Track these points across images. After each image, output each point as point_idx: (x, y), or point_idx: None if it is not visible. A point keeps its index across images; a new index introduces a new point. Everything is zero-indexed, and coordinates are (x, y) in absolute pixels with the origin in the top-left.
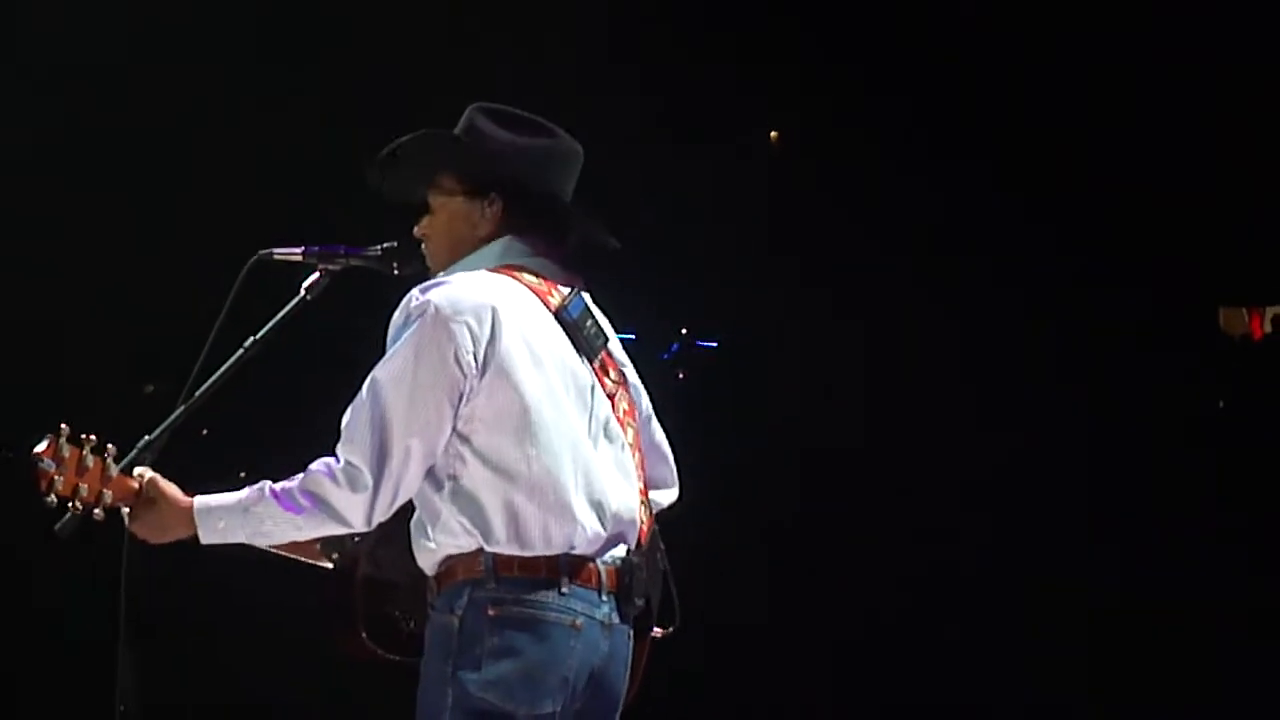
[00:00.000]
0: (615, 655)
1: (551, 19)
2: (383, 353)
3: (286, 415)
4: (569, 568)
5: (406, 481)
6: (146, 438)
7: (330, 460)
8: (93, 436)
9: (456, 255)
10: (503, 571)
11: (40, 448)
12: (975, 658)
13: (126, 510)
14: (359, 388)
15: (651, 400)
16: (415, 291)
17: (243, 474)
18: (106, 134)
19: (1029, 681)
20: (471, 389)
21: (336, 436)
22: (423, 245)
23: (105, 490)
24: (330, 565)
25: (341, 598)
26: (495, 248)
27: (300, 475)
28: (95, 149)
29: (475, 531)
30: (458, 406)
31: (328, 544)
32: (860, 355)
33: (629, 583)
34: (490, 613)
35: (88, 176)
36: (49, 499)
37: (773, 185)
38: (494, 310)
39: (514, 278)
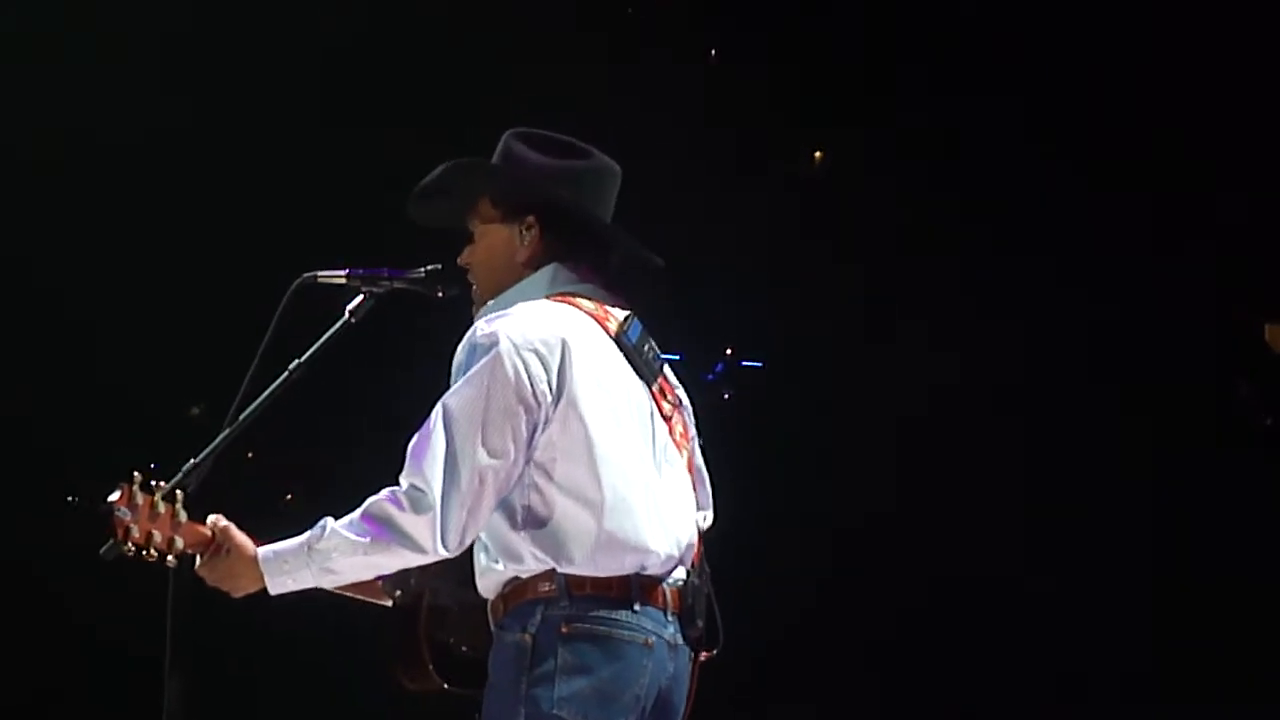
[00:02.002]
0: (679, 676)
1: (592, 43)
2: (447, 383)
3: (332, 437)
4: (640, 588)
5: (480, 509)
6: (191, 461)
7: (392, 488)
8: (163, 483)
9: (499, 282)
10: (575, 590)
11: (114, 496)
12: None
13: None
14: (402, 411)
15: (696, 420)
16: (481, 323)
17: (289, 496)
18: (152, 153)
19: None
20: (545, 418)
21: (388, 462)
22: (468, 274)
23: (176, 537)
24: (390, 603)
25: (404, 634)
26: (543, 276)
27: (363, 505)
28: (142, 168)
29: (547, 558)
30: (530, 436)
31: (390, 583)
32: (911, 376)
33: (691, 604)
34: (564, 630)
35: (133, 197)
36: (125, 548)
37: (819, 204)
38: (564, 341)
39: (573, 305)
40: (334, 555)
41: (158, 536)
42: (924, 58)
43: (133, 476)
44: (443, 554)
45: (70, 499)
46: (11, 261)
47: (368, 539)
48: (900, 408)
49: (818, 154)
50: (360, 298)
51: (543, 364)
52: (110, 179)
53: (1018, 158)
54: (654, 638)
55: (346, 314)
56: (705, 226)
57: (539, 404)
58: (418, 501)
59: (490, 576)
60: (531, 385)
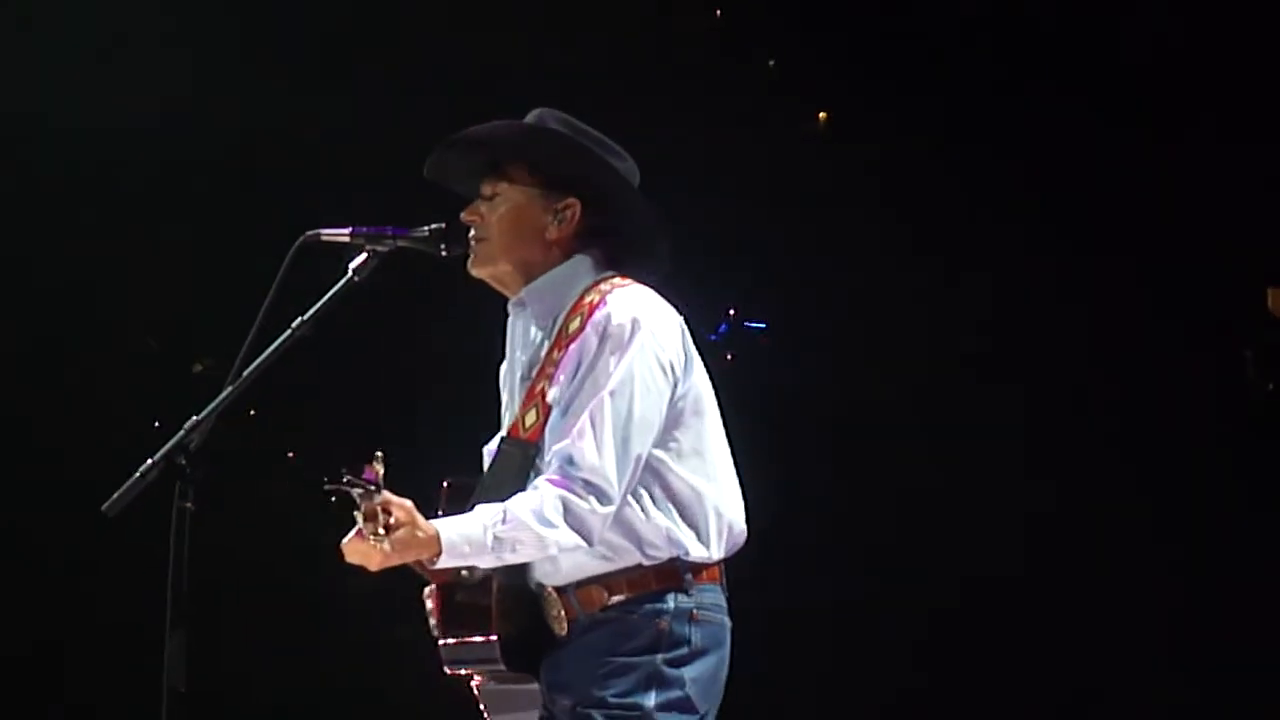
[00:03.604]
0: None
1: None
2: (566, 370)
3: (334, 396)
4: (723, 574)
5: (627, 495)
6: (194, 418)
7: (562, 479)
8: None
9: (521, 254)
10: (697, 578)
11: (369, 474)
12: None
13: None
14: (402, 370)
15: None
16: (611, 308)
17: (290, 454)
18: (157, 118)
19: None
20: (674, 399)
21: (392, 421)
22: (473, 231)
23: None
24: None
25: (464, 608)
26: (585, 263)
27: (536, 495)
28: (145, 129)
29: (679, 541)
30: (666, 416)
31: None
32: (913, 337)
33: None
34: (695, 615)
35: (138, 156)
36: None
37: (820, 167)
38: (683, 330)
39: (649, 288)
40: (519, 546)
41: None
42: (938, 24)
43: (375, 456)
44: (596, 544)
45: (325, 487)
46: (15, 221)
47: (553, 532)
48: (911, 374)
49: (822, 115)
50: (364, 256)
51: (679, 352)
52: (116, 139)
53: (1021, 116)
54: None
55: (350, 272)
56: (712, 187)
57: (675, 390)
58: (603, 494)
59: (593, 566)
60: (672, 369)
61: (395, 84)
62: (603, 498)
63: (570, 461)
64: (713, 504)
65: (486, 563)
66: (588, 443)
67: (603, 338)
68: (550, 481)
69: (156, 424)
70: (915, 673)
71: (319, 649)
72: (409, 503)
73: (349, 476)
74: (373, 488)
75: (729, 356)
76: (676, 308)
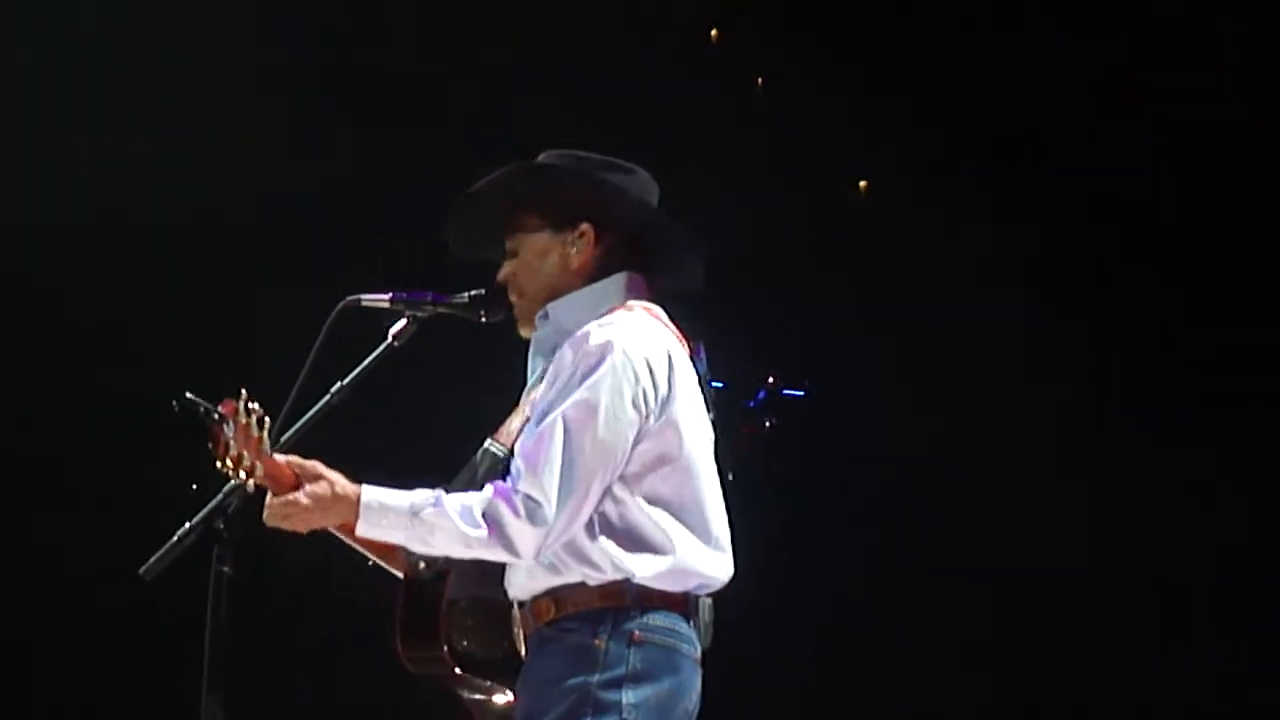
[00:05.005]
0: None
1: (645, 61)
2: (546, 382)
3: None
4: (694, 604)
5: (580, 519)
6: (233, 482)
7: (506, 489)
8: (258, 407)
9: (552, 287)
10: (645, 601)
11: (222, 408)
12: None
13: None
14: (443, 432)
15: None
16: (593, 329)
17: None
18: (190, 174)
19: None
20: (644, 431)
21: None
22: (509, 292)
23: (259, 463)
24: (404, 574)
25: (420, 609)
26: (615, 285)
27: (476, 495)
28: (183, 190)
29: (626, 568)
30: (633, 448)
31: (415, 554)
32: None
33: (709, 622)
34: (636, 637)
35: (179, 218)
36: (223, 465)
37: (862, 235)
38: (669, 356)
39: (658, 319)
40: (437, 532)
41: (247, 459)
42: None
43: (239, 393)
44: (531, 561)
45: (174, 403)
46: (53, 279)
47: (475, 532)
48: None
49: (863, 184)
50: (404, 321)
51: (653, 377)
52: (154, 199)
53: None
54: (699, 654)
55: (390, 337)
56: (754, 247)
57: (646, 416)
58: (534, 514)
59: (544, 578)
60: (644, 398)
61: (436, 145)
62: (536, 517)
63: (518, 474)
64: (674, 540)
65: (402, 539)
66: (536, 460)
67: (577, 356)
68: (493, 487)
69: (195, 486)
70: None
71: (358, 711)
72: (317, 463)
73: (193, 399)
74: (217, 415)
75: (767, 424)
76: (696, 341)
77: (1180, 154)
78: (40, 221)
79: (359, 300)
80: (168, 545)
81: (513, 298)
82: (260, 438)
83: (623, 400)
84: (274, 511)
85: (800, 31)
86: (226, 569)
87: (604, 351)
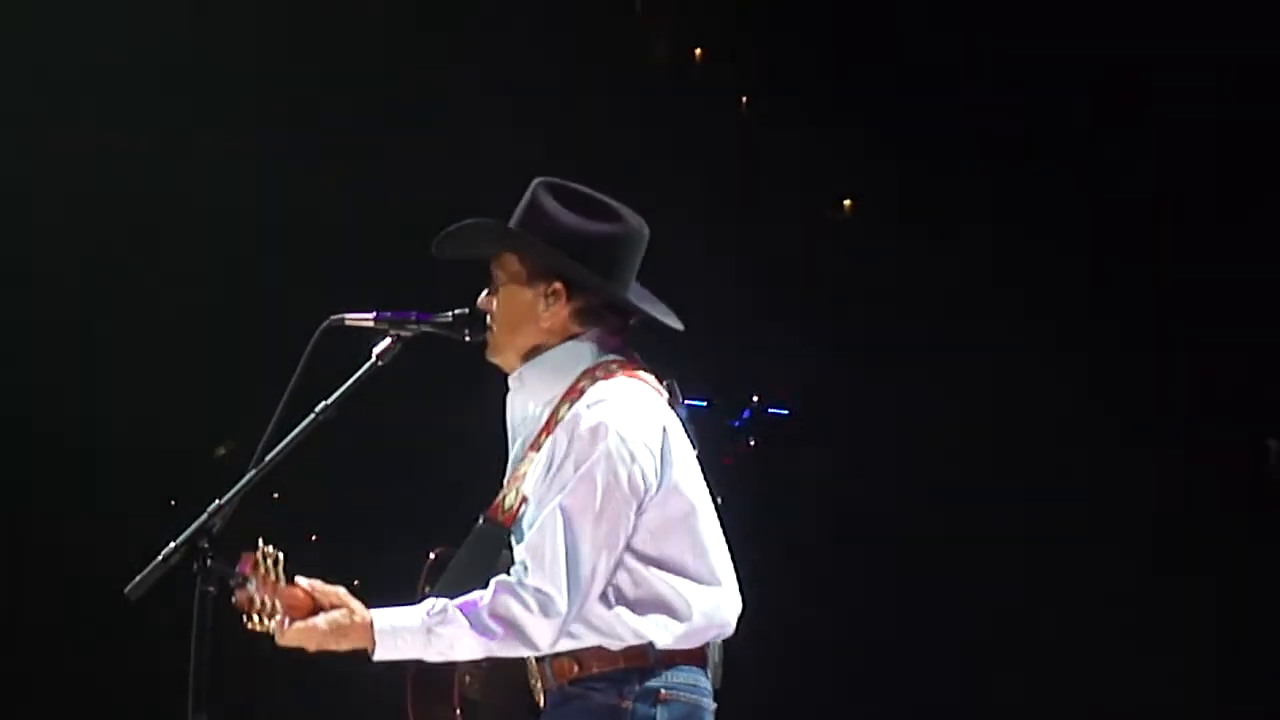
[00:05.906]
0: None
1: (623, 84)
2: (540, 467)
3: (357, 480)
4: (708, 651)
5: (590, 601)
6: (217, 501)
7: (514, 584)
8: (269, 548)
9: (520, 344)
10: (669, 660)
11: (244, 566)
12: None
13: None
14: (426, 450)
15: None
16: (583, 412)
17: (313, 537)
18: (182, 193)
19: None
20: (646, 504)
21: (411, 505)
22: (487, 318)
23: (276, 601)
24: None
25: (431, 676)
26: (585, 348)
27: (482, 597)
28: (174, 207)
29: (645, 634)
30: (634, 525)
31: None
32: (934, 424)
33: (719, 663)
34: (662, 695)
35: (166, 238)
36: (249, 623)
37: (842, 252)
38: (664, 430)
39: (640, 380)
40: (456, 645)
41: (268, 604)
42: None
43: (257, 545)
44: (549, 650)
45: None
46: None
47: (490, 638)
48: (926, 457)
49: (847, 202)
50: (388, 341)
51: (650, 456)
52: (145, 218)
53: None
54: (715, 705)
55: (374, 357)
56: (735, 271)
57: (645, 495)
58: (547, 606)
59: (565, 643)
60: (642, 479)
61: (420, 165)
62: (549, 609)
63: (525, 568)
64: (691, 600)
65: (420, 655)
66: (542, 554)
67: (570, 440)
68: (499, 585)
69: (173, 502)
70: None
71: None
72: (340, 589)
73: (218, 564)
74: (239, 578)
75: (751, 443)
76: (680, 389)
77: (1174, 164)
78: (40, 222)
79: (343, 319)
80: (152, 565)
81: (489, 324)
82: (279, 577)
83: (619, 482)
84: (291, 636)
85: (783, 50)
86: (211, 589)
87: (596, 437)
